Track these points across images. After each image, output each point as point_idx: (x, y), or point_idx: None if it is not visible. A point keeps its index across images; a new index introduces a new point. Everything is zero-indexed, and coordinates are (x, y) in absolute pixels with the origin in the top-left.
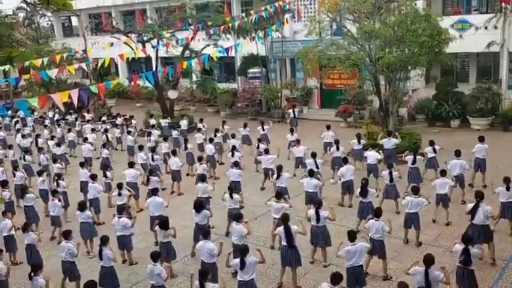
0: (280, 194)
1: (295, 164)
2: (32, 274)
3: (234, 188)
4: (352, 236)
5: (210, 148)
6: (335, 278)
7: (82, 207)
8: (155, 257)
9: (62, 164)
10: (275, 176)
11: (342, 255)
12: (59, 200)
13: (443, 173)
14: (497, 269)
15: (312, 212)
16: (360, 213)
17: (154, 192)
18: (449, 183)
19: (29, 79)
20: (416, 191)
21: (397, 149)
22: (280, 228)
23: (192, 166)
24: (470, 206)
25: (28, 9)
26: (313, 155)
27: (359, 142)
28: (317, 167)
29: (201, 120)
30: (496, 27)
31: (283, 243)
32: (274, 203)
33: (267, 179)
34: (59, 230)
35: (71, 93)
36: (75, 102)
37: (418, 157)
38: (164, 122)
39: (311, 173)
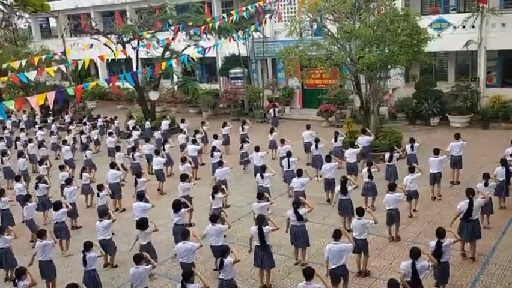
0: (262, 194)
1: (280, 163)
2: (16, 280)
3: (222, 186)
4: (336, 234)
5: (191, 149)
6: (307, 273)
7: (56, 206)
8: (138, 259)
9: (47, 164)
10: (258, 175)
11: (326, 256)
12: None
13: (411, 170)
14: (478, 264)
15: (290, 212)
16: (340, 210)
17: (139, 196)
18: (416, 179)
19: (7, 81)
20: (392, 188)
21: (379, 147)
22: (254, 228)
23: (171, 167)
24: (463, 203)
25: (5, 10)
26: (289, 154)
27: (335, 140)
28: (289, 166)
29: (183, 121)
30: (473, 26)
31: (256, 243)
32: (256, 203)
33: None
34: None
35: (47, 95)
36: (51, 104)
37: (394, 154)
38: (147, 124)
39: (299, 173)
